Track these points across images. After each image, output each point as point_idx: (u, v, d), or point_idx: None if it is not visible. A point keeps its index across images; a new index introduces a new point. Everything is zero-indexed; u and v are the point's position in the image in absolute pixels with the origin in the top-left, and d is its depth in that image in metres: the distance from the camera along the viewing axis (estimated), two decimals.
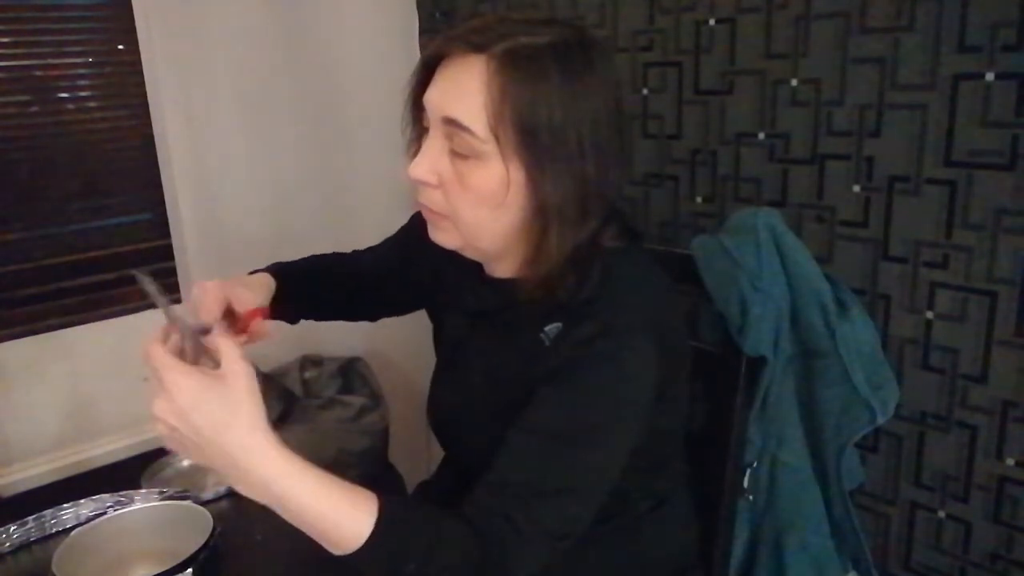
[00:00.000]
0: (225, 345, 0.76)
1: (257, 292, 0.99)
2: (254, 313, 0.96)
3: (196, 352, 0.79)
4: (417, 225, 1.08)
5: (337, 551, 0.74)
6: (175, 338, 0.79)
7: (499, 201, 0.82)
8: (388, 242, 1.15)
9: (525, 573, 0.79)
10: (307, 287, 1.09)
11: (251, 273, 1.04)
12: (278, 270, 1.06)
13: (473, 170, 0.81)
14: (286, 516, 0.74)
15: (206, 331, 0.81)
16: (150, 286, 0.78)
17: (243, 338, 0.94)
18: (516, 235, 0.85)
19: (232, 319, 0.93)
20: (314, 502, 0.73)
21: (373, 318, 1.19)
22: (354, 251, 1.17)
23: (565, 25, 0.83)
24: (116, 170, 1.55)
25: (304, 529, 0.74)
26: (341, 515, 0.73)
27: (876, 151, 1.10)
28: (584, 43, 0.81)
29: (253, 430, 0.73)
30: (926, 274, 1.08)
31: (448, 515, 0.78)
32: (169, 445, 0.76)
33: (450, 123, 0.80)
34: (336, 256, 1.16)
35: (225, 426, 0.72)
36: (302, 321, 1.10)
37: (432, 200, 0.86)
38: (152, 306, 0.80)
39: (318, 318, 1.14)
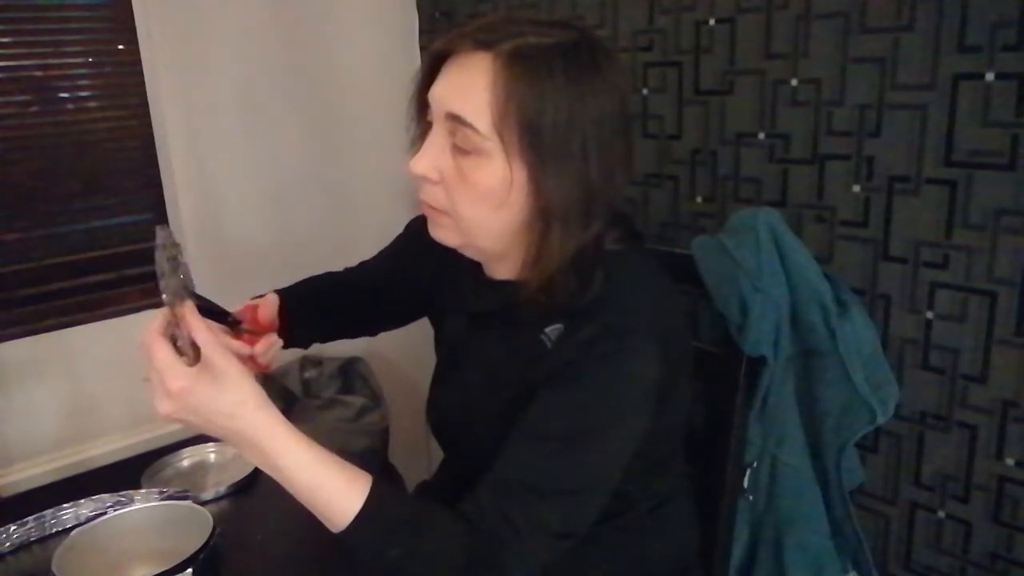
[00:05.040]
0: (203, 337, 0.77)
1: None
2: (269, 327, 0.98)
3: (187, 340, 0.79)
4: (415, 231, 1.08)
5: (331, 528, 0.78)
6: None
7: (501, 200, 0.81)
8: (384, 253, 1.15)
9: (523, 574, 0.79)
10: (313, 312, 1.09)
11: (255, 298, 1.05)
12: (285, 297, 1.06)
13: (475, 167, 0.81)
14: (287, 486, 0.78)
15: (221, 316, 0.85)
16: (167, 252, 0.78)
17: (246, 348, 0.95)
18: (517, 235, 0.85)
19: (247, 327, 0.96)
20: (312, 476, 0.77)
21: (373, 333, 1.20)
22: (346, 268, 1.17)
23: (573, 28, 0.83)
24: (116, 170, 1.54)
25: (303, 502, 0.78)
26: (335, 492, 0.77)
27: (876, 151, 1.10)
28: (591, 46, 0.81)
29: (258, 409, 0.77)
30: (926, 274, 1.08)
31: (443, 510, 0.79)
32: (177, 423, 0.79)
33: (453, 119, 0.80)
34: (332, 276, 1.16)
35: (232, 415, 0.76)
36: None
37: (433, 197, 0.86)
38: (154, 306, 0.80)
39: (322, 340, 1.15)
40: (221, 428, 0.77)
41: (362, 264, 1.16)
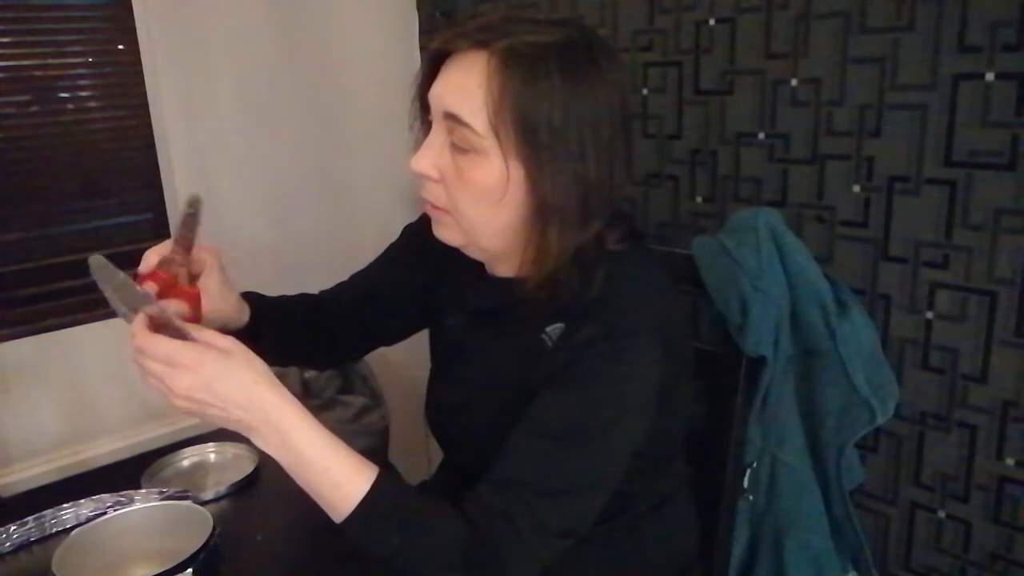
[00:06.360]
0: (201, 332, 0.78)
1: (219, 290, 0.97)
2: (189, 295, 0.93)
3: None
4: (413, 234, 1.08)
5: (334, 514, 0.78)
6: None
7: (498, 198, 0.81)
8: (379, 262, 1.11)
9: (523, 573, 0.79)
10: (278, 330, 1.03)
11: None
12: (256, 300, 1.01)
13: (472, 165, 0.81)
14: (294, 469, 0.78)
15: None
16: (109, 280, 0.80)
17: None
18: (517, 234, 0.85)
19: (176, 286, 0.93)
20: (322, 458, 0.77)
21: (362, 352, 1.18)
22: (322, 291, 1.11)
23: (574, 26, 0.83)
24: (116, 170, 1.54)
25: (308, 486, 0.78)
26: (342, 476, 0.77)
27: (876, 151, 1.10)
28: (590, 44, 0.81)
29: (273, 386, 0.78)
30: (926, 274, 1.08)
31: (446, 506, 0.79)
32: (190, 415, 0.79)
33: (451, 118, 0.81)
34: (308, 296, 1.10)
35: (250, 388, 0.76)
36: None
37: (434, 195, 0.86)
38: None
39: (280, 362, 1.00)
40: (235, 406, 0.76)
41: (352, 279, 1.11)
